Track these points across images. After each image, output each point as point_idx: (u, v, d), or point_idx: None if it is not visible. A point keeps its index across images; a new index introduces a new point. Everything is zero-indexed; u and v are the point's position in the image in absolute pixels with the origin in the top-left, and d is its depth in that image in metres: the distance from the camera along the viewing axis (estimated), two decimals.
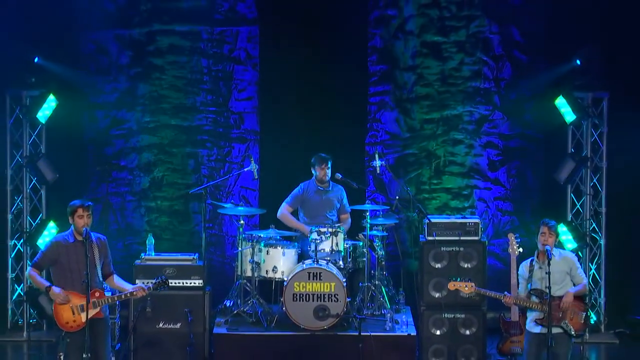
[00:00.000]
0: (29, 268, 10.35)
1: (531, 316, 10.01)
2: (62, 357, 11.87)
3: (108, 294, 10.22)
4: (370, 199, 14.31)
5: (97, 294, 10.01)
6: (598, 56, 13.59)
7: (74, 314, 10.01)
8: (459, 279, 10.48)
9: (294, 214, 13.19)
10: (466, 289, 10.30)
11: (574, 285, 10.04)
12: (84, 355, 9.97)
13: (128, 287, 10.34)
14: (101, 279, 10.14)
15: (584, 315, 10.07)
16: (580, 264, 13.43)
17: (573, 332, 9.99)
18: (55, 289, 10.02)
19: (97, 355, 10.12)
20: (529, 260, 10.11)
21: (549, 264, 9.86)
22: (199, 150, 14.62)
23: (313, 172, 13.07)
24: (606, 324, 13.85)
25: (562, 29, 13.97)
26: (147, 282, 10.78)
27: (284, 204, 13.13)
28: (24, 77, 13.65)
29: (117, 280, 10.36)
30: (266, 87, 14.57)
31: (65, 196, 13.44)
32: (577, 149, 13.83)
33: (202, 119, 14.61)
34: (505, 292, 10.18)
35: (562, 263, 10.01)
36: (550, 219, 10.16)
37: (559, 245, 10.54)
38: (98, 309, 10.02)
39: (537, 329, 9.95)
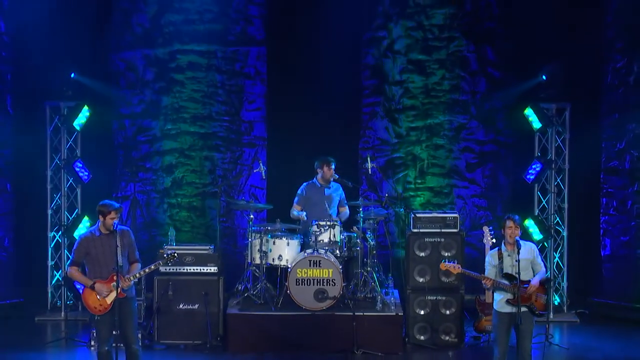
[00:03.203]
0: (67, 268, 10.18)
1: (500, 297, 10.01)
2: (95, 334, 11.95)
3: (128, 276, 10.02)
4: (363, 196, 14.32)
5: (115, 277, 9.95)
6: (561, 72, 13.61)
7: (98, 298, 9.97)
8: (448, 261, 10.45)
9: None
10: (454, 269, 10.29)
11: (534, 270, 10.07)
12: (114, 332, 9.97)
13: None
14: (121, 264, 9.93)
15: (545, 298, 10.12)
16: (545, 253, 13.63)
17: (537, 312, 10.03)
18: (98, 286, 9.94)
19: (126, 331, 10.07)
20: (495, 249, 10.11)
21: (518, 253, 9.89)
22: (214, 154, 14.62)
23: (319, 172, 12.97)
24: (568, 305, 13.84)
25: (530, 48, 13.99)
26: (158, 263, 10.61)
27: (294, 204, 13.09)
28: (62, 90, 13.64)
29: (135, 267, 10.14)
30: (273, 99, 14.57)
31: (98, 194, 13.51)
32: (543, 153, 13.84)
33: (217, 127, 14.62)
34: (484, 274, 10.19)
35: (527, 253, 10.04)
36: (515, 214, 10.16)
37: (524, 236, 10.53)
38: (118, 290, 9.95)
39: (507, 309, 9.96)
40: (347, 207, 13.11)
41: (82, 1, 13.89)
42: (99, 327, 10.09)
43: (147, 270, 10.19)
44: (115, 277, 9.88)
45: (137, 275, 10.08)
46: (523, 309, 9.86)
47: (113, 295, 9.87)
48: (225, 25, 14.48)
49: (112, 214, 9.98)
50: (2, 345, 12.28)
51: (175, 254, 10.38)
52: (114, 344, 9.95)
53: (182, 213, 14.61)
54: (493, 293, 10.11)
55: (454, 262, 10.42)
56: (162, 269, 11.65)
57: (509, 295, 9.93)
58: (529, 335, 9.95)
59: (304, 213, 12.85)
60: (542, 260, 10.23)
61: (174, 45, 14.45)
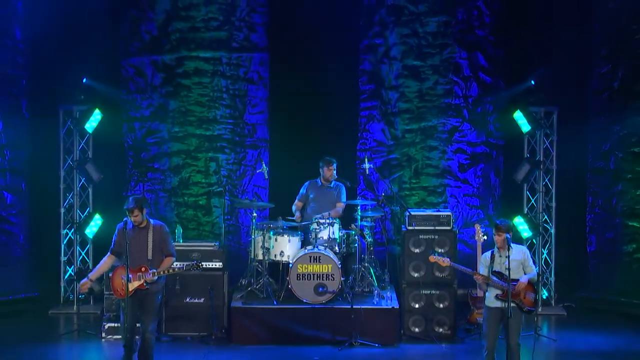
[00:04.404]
0: (107, 253, 10.32)
1: (490, 293, 10.07)
2: (105, 327, 11.99)
3: (153, 271, 10.15)
4: (360, 195, 14.39)
5: (142, 269, 10.04)
6: (549, 77, 13.67)
7: (123, 283, 10.07)
8: (437, 254, 10.49)
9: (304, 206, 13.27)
10: (443, 262, 10.34)
11: (525, 272, 10.13)
12: (126, 323, 10.06)
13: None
14: (150, 257, 10.09)
15: (534, 296, 10.17)
16: (533, 250, 13.69)
17: (525, 308, 10.08)
18: (83, 280, 10.26)
19: (143, 319, 10.20)
20: (489, 251, 10.16)
21: (509, 249, 9.95)
22: (219, 155, 14.65)
23: (321, 172, 13.09)
24: (556, 299, 13.91)
25: (519, 54, 14.06)
26: (181, 264, 10.77)
27: (295, 200, 13.19)
28: (74, 94, 13.69)
29: (166, 262, 10.25)
30: (275, 103, 14.61)
31: (109, 193, 13.61)
32: (532, 154, 13.91)
33: (221, 129, 14.64)
34: (476, 270, 10.23)
35: (518, 254, 10.08)
36: (505, 216, 10.22)
37: (517, 232, 10.56)
38: (141, 282, 10.04)
39: (496, 304, 10.02)
40: (343, 203, 13.12)
41: (93, 10, 13.94)
42: (123, 314, 10.18)
43: (170, 270, 10.30)
44: (142, 269, 10.02)
45: (161, 272, 10.16)
46: (511, 304, 9.91)
47: (136, 284, 9.98)
48: (229, 32, 14.50)
49: (127, 213, 10.09)
50: (18, 337, 12.34)
51: (200, 264, 10.50)
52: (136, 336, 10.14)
53: (188, 211, 14.65)
54: (485, 293, 10.16)
55: (442, 256, 10.48)
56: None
57: (498, 291, 10.00)
58: (516, 330, 9.98)
59: (298, 214, 12.94)
60: (534, 264, 10.29)
61: (181, 52, 14.47)
